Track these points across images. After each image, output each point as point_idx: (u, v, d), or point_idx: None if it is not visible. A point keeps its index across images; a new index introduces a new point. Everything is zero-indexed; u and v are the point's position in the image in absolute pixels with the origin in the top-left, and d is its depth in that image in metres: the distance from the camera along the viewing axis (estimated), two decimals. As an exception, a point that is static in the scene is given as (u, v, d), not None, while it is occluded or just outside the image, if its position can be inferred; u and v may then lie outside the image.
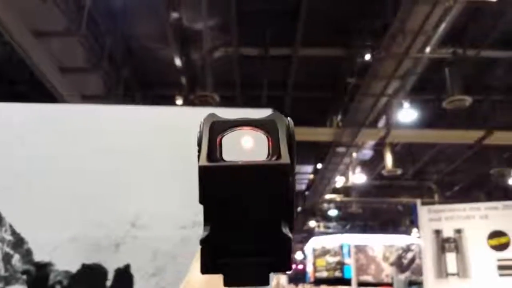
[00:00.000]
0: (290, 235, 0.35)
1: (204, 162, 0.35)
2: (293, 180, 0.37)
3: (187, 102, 7.47)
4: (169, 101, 7.84)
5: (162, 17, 6.20)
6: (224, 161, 0.36)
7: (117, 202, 2.59)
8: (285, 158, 0.35)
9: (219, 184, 0.35)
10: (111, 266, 2.51)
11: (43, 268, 2.52)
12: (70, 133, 2.77)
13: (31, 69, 6.07)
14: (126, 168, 2.68)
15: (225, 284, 0.35)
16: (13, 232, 2.57)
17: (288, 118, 0.39)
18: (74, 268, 2.50)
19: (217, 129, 0.38)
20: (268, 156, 0.36)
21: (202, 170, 0.34)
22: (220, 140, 0.37)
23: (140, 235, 2.53)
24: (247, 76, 7.70)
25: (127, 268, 2.51)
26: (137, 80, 7.84)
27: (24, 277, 2.51)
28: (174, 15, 6.17)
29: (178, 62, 6.96)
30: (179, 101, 7.88)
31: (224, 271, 0.35)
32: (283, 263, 0.35)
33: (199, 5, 5.95)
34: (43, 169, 2.67)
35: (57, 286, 2.51)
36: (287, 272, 0.36)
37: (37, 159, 2.69)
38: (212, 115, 0.39)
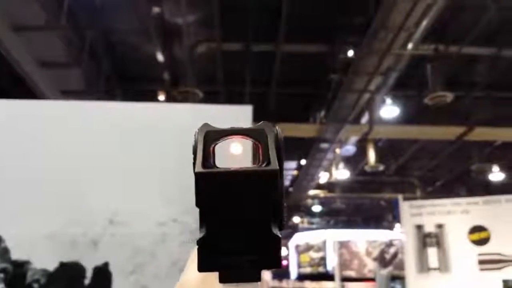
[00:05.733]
0: (279, 234, 0.39)
1: (199, 168, 0.38)
2: (282, 184, 0.40)
3: (170, 98, 7.42)
4: (151, 96, 7.77)
5: (143, 11, 6.13)
6: (218, 167, 0.39)
7: (94, 199, 2.56)
8: (274, 165, 0.38)
9: (213, 189, 0.38)
10: (89, 264, 2.49)
11: (21, 267, 2.49)
12: (47, 130, 2.73)
13: (11, 65, 5.99)
14: (104, 165, 2.66)
15: (220, 281, 0.39)
16: (-11, 231, 2.53)
17: (277, 127, 0.42)
18: (51, 266, 2.47)
19: (211, 138, 0.41)
20: (258, 163, 0.39)
21: (198, 176, 0.38)
22: (214, 148, 0.40)
23: (119, 232, 2.52)
24: (230, 72, 7.67)
25: (105, 265, 2.49)
26: (118, 75, 7.75)
27: (1, 275, 2.47)
28: (156, 9, 6.11)
29: (160, 57, 6.90)
30: (161, 97, 7.82)
31: (219, 269, 0.38)
32: (273, 260, 0.38)
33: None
34: (18, 166, 2.63)
35: (34, 284, 2.47)
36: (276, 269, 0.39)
37: (12, 156, 2.65)
38: (206, 125, 0.42)
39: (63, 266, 2.49)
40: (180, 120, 2.82)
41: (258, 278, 0.39)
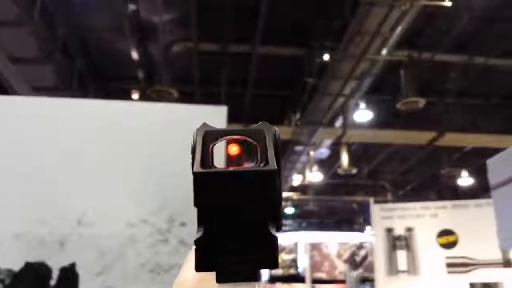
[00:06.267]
0: (276, 234, 0.39)
1: (198, 168, 0.38)
2: (280, 184, 0.40)
3: (144, 97, 7.35)
4: (125, 94, 7.68)
5: (119, 8, 6.06)
6: (216, 167, 0.39)
7: (62, 198, 2.52)
8: (272, 165, 0.38)
9: (211, 188, 0.38)
10: (55, 265, 2.44)
11: (-16, 267, 2.42)
12: (16, 127, 2.66)
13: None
14: (74, 164, 2.61)
15: (217, 281, 0.38)
16: (-49, 229, 2.45)
17: (275, 127, 0.42)
18: (17, 266, 2.42)
19: (209, 138, 0.41)
20: (256, 163, 0.40)
21: (196, 176, 0.37)
22: (212, 148, 0.41)
23: (87, 233, 2.48)
24: (206, 72, 7.65)
25: (72, 266, 2.45)
26: (92, 73, 7.64)
27: (-36, 275, 2.40)
28: (132, 6, 6.05)
29: (135, 55, 6.83)
30: (135, 95, 7.73)
31: (217, 269, 0.38)
32: (270, 260, 0.38)
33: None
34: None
35: (-1, 284, 2.42)
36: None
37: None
38: (205, 125, 0.42)
39: (28, 266, 2.44)
40: (153, 119, 2.79)
41: (255, 278, 0.39)
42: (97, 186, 2.57)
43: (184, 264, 0.49)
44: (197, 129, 0.42)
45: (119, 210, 2.51)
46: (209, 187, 0.38)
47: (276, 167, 0.38)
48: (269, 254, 0.38)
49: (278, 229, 0.40)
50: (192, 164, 0.39)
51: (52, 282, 2.43)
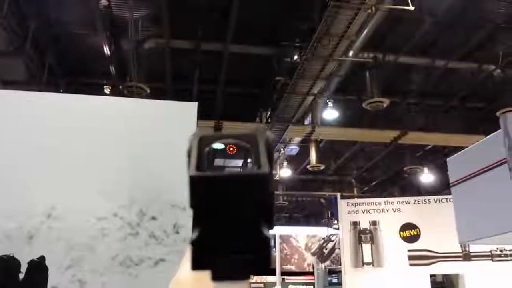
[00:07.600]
0: (269, 235, 0.40)
1: (193, 172, 0.39)
2: (272, 187, 0.41)
3: (116, 92, 7.31)
4: (96, 90, 7.61)
5: (91, 3, 6.04)
6: (211, 171, 0.40)
7: (30, 193, 2.51)
8: (265, 168, 0.40)
9: (207, 191, 0.39)
10: (24, 258, 2.43)
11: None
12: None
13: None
14: (43, 159, 2.61)
15: (212, 279, 0.40)
16: None
17: (268, 132, 0.44)
18: (-15, 259, 2.41)
19: (205, 142, 0.43)
20: (250, 166, 0.42)
21: (192, 179, 0.39)
22: (208, 152, 0.43)
23: (56, 226, 2.48)
24: (179, 69, 7.67)
25: (41, 260, 2.45)
26: (63, 67, 7.55)
27: None
28: (103, 2, 6.03)
29: (106, 50, 6.81)
30: (106, 91, 7.68)
31: (212, 267, 0.40)
32: (263, 259, 0.40)
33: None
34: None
35: (-35, 278, 2.40)
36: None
37: None
38: (201, 129, 0.45)
39: (-3, 259, 2.40)
40: (124, 115, 2.79)
41: (248, 277, 0.40)
42: (66, 181, 2.56)
43: (181, 263, 0.52)
44: (193, 133, 0.43)
45: (89, 204, 2.51)
46: (204, 190, 0.39)
47: (268, 171, 0.39)
48: (262, 253, 0.40)
49: (270, 228, 0.41)
50: (188, 167, 0.40)
51: (21, 275, 2.41)
